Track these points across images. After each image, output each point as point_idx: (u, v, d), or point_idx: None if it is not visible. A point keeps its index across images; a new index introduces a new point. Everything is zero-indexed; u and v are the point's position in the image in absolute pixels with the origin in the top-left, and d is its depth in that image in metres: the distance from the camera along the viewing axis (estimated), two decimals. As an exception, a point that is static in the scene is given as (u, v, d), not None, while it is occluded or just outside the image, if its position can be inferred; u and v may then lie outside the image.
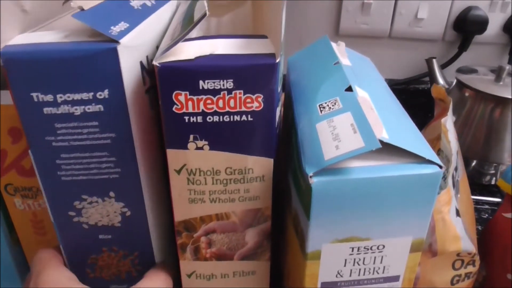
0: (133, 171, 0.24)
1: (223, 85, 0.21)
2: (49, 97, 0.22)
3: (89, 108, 0.22)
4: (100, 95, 0.22)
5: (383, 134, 0.20)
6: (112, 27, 0.22)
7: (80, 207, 0.25)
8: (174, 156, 0.22)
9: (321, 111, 0.23)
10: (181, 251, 0.26)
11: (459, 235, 0.26)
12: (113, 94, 0.22)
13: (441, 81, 0.58)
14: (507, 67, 0.51)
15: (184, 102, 0.21)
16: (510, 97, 0.49)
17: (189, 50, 0.21)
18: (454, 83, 0.55)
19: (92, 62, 0.21)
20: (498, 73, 0.51)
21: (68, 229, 0.26)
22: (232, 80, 0.20)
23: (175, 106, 0.21)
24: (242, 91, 0.21)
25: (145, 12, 0.26)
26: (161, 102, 0.21)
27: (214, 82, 0.20)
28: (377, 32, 0.62)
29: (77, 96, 0.22)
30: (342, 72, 0.26)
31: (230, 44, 0.22)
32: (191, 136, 0.22)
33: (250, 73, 0.20)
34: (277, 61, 0.20)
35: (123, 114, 0.23)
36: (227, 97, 0.21)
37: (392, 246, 0.22)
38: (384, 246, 0.22)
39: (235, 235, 0.25)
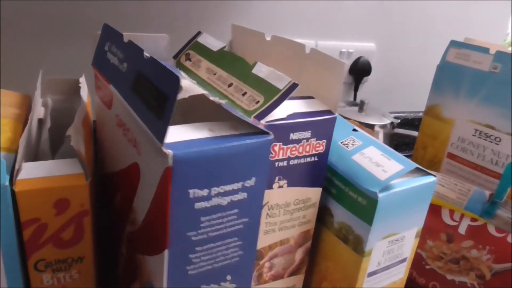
0: (252, 251, 0.25)
1: (304, 135, 0.27)
2: (204, 192, 0.22)
3: (235, 197, 0.23)
4: (248, 183, 0.23)
5: (405, 158, 0.30)
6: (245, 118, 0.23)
7: None
8: (261, 197, 0.27)
9: (347, 147, 0.31)
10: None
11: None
12: (259, 181, 0.23)
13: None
14: (367, 101, 0.68)
15: (278, 151, 0.26)
16: (373, 123, 0.66)
17: (275, 110, 0.26)
18: (331, 116, 0.70)
19: (251, 154, 0.22)
20: (360, 105, 0.68)
21: None
22: (310, 131, 0.27)
23: (270, 154, 0.26)
24: (315, 139, 0.27)
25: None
26: (262, 153, 0.26)
27: (299, 134, 0.27)
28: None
29: (228, 187, 0.22)
30: (339, 118, 0.35)
31: (296, 105, 0.28)
32: (277, 178, 0.27)
33: (322, 125, 0.27)
34: (336, 115, 0.28)
35: (261, 197, 0.24)
36: (305, 144, 0.27)
37: (408, 236, 0.31)
38: (404, 237, 0.31)
39: (289, 256, 0.31)
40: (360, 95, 0.84)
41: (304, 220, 0.30)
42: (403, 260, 0.33)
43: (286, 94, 0.26)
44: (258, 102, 0.26)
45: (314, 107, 0.28)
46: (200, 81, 0.32)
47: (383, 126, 0.67)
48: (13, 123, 0.31)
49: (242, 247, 0.24)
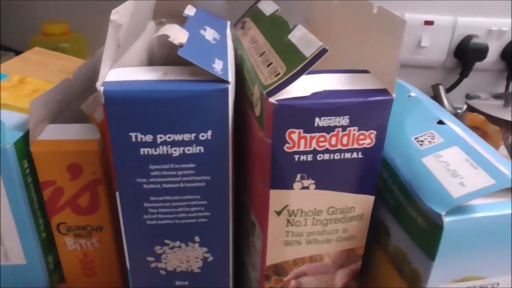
0: (223, 215, 0.23)
1: (339, 122, 0.20)
2: (148, 137, 0.20)
3: (188, 150, 0.21)
4: (203, 136, 0.21)
5: (502, 169, 0.20)
6: (213, 65, 0.21)
7: (160, 252, 0.23)
8: (277, 197, 0.21)
9: (421, 145, 0.23)
10: (267, 297, 0.24)
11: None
12: (216, 136, 0.21)
13: (448, 107, 0.60)
14: (516, 93, 0.53)
15: (297, 140, 0.20)
16: (521, 122, 0.51)
17: (301, 87, 0.20)
18: (464, 109, 0.56)
19: (201, 102, 0.20)
20: (506, 98, 0.53)
21: (144, 276, 0.24)
22: (348, 116, 0.20)
23: (287, 145, 0.20)
24: (356, 128, 0.20)
25: (222, 47, 0.25)
26: (273, 141, 0.20)
27: (330, 119, 0.19)
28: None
29: (178, 137, 0.21)
30: (423, 104, 0.26)
31: (337, 80, 0.21)
32: (299, 176, 0.21)
33: (367, 109, 0.20)
34: (394, 96, 0.20)
35: (223, 156, 0.21)
36: (340, 134, 0.20)
37: (506, 283, 0.21)
38: (498, 284, 0.21)
39: (325, 277, 0.24)
40: (515, 87, 0.66)
41: (345, 236, 0.23)
42: (498, 316, 0.22)
43: (311, 62, 0.19)
44: (278, 74, 0.20)
45: (362, 84, 0.20)
46: (242, 51, 0.27)
47: (536, 127, 0.51)
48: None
49: (208, 207, 0.23)
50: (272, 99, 0.19)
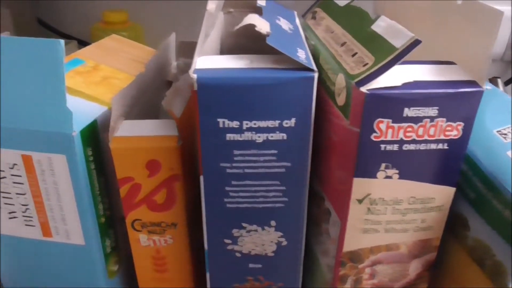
0: (299, 201, 0.24)
1: (427, 112, 0.20)
2: (235, 124, 0.21)
3: (272, 136, 0.22)
4: (287, 123, 0.21)
5: None
6: (297, 54, 0.21)
7: (237, 235, 0.24)
8: (359, 185, 0.21)
9: (504, 138, 0.22)
10: (341, 282, 0.25)
11: None
12: (300, 123, 0.21)
13: (505, 100, 0.58)
14: None
15: (384, 130, 0.20)
16: None
17: (390, 77, 0.20)
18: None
19: (288, 90, 0.21)
20: None
21: (220, 257, 0.25)
22: (437, 107, 0.20)
23: (374, 134, 0.20)
24: (444, 119, 0.20)
25: (298, 36, 0.25)
26: (361, 130, 0.20)
27: (419, 110, 0.20)
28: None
29: (263, 124, 0.21)
30: (502, 97, 0.25)
31: (425, 71, 0.21)
32: (383, 165, 0.21)
33: (456, 101, 0.20)
34: (484, 88, 0.20)
35: (304, 143, 0.22)
36: (428, 125, 0.20)
37: None
38: None
39: (399, 266, 0.24)
40: None
41: (423, 226, 0.23)
42: None
43: (403, 54, 0.19)
44: (366, 64, 0.20)
45: (450, 75, 0.20)
46: (317, 41, 0.27)
47: None
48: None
49: (285, 193, 0.23)
50: (363, 89, 0.19)
